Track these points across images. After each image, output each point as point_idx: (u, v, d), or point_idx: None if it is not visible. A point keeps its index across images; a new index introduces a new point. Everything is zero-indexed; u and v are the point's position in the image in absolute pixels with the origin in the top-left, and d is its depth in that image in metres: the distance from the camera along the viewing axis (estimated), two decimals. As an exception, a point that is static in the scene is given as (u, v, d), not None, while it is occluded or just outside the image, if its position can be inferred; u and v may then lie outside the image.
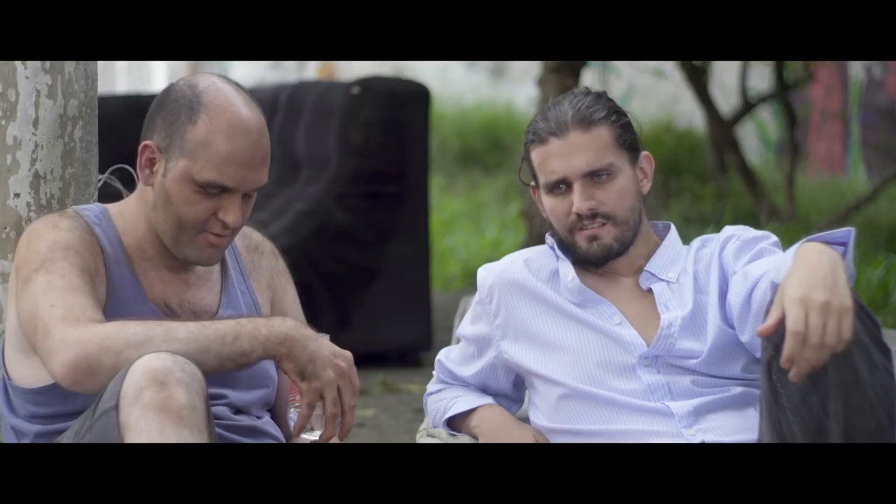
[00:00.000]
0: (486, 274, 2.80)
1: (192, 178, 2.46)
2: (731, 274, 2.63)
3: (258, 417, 2.60)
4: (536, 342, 2.71)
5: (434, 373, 2.89)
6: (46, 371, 2.42)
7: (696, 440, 2.57)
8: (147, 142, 2.49)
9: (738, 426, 2.58)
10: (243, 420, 2.55)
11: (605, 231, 2.67)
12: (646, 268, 2.71)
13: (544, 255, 2.78)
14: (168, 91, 2.52)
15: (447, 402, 2.80)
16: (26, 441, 2.51)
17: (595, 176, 2.66)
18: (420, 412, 5.01)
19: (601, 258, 2.69)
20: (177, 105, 2.48)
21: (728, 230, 2.73)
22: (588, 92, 2.72)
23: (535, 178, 2.73)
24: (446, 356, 2.87)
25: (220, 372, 2.36)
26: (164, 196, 2.49)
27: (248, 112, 2.49)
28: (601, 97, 2.71)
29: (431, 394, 2.86)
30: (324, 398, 2.37)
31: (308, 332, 2.38)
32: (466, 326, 2.83)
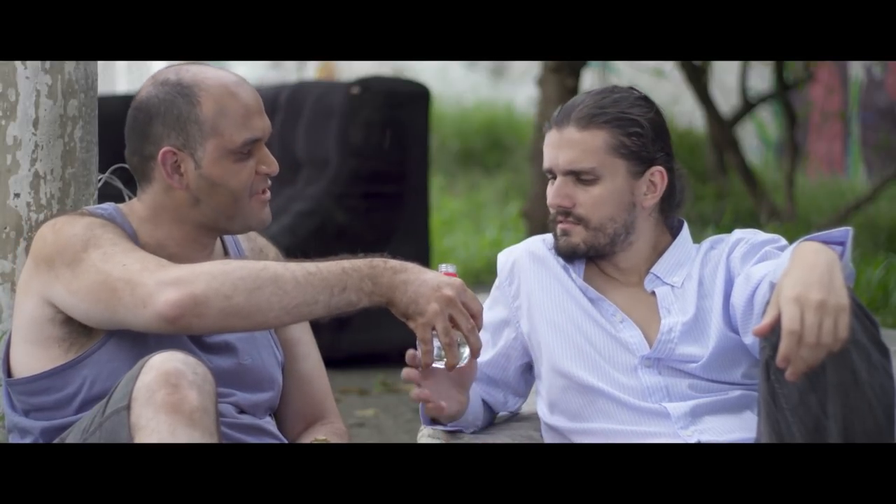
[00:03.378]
0: (507, 255, 2.80)
1: (227, 150, 2.49)
2: (736, 277, 2.63)
3: (259, 418, 2.60)
4: (550, 323, 2.71)
5: None
6: (69, 355, 2.45)
7: (693, 440, 2.57)
8: (165, 148, 2.48)
9: (735, 427, 2.58)
10: (246, 419, 2.55)
11: (575, 230, 2.66)
12: (651, 270, 2.71)
13: None
14: (143, 104, 2.51)
15: None
16: (31, 439, 2.51)
17: (577, 175, 2.65)
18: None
19: (565, 254, 2.69)
20: (167, 104, 2.49)
21: (737, 233, 2.71)
22: (617, 92, 2.68)
23: None
24: None
25: (324, 318, 2.41)
26: (206, 185, 2.50)
27: (225, 71, 2.56)
28: (624, 101, 2.66)
29: None
30: (437, 330, 2.39)
31: (410, 274, 2.43)
32: (486, 315, 2.79)
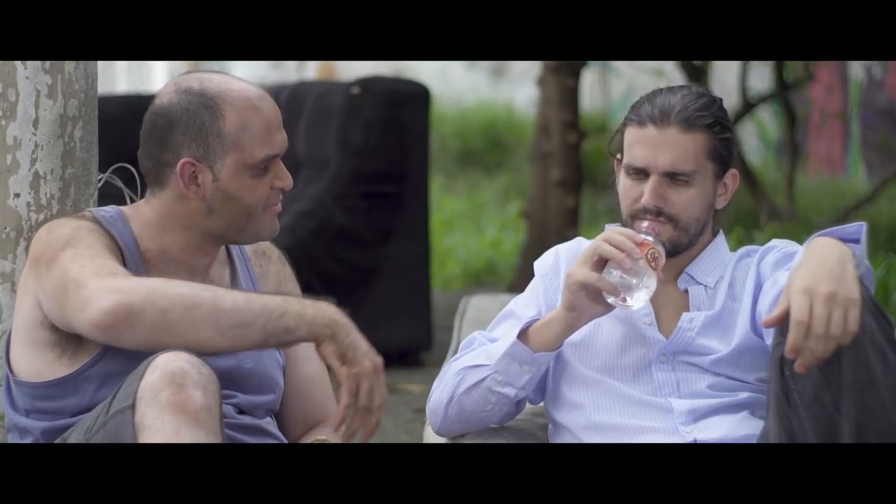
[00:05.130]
0: (549, 253, 2.80)
1: (246, 166, 2.50)
2: (765, 282, 2.64)
3: (259, 419, 2.60)
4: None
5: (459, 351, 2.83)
6: (61, 364, 2.45)
7: (690, 438, 2.57)
8: (184, 159, 2.48)
9: (732, 426, 2.58)
10: (246, 419, 2.55)
11: (664, 229, 2.64)
12: (686, 270, 2.71)
13: None
14: (165, 110, 2.50)
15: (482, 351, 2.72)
16: (31, 439, 2.51)
17: (673, 176, 2.64)
18: (420, 412, 5.00)
19: None
20: (189, 114, 2.48)
21: (773, 242, 2.72)
22: (703, 94, 2.68)
23: (621, 152, 2.71)
24: (483, 333, 2.79)
25: (262, 348, 2.38)
26: (222, 198, 2.50)
27: (247, 82, 2.55)
28: (714, 104, 2.67)
29: (457, 359, 2.76)
30: (359, 389, 2.37)
31: (351, 326, 2.41)
32: (520, 306, 2.78)
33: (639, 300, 2.56)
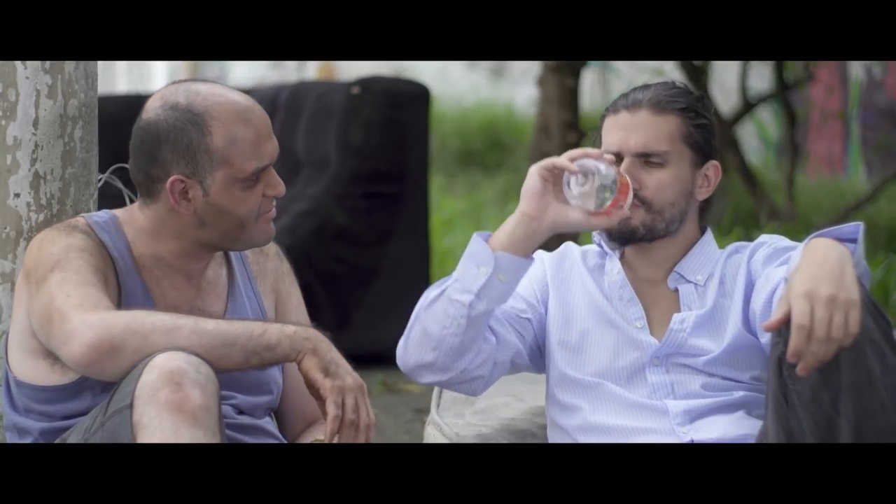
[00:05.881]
0: (541, 254, 2.80)
1: (236, 179, 2.49)
2: (757, 279, 2.63)
3: (258, 419, 2.60)
4: (566, 321, 2.72)
5: None
6: (54, 372, 2.46)
7: (687, 439, 2.57)
8: (173, 177, 2.47)
9: (729, 426, 2.59)
10: (245, 419, 2.56)
11: (637, 213, 2.65)
12: (675, 268, 2.72)
13: (594, 251, 2.79)
14: (152, 126, 2.49)
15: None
16: (30, 438, 2.52)
17: (646, 158, 2.65)
18: (420, 412, 5.01)
19: (624, 236, 2.68)
20: (176, 132, 2.47)
21: (762, 238, 2.73)
22: (676, 86, 2.71)
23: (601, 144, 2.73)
24: None
25: (244, 369, 2.38)
26: (214, 212, 2.50)
27: (235, 93, 2.54)
28: (689, 94, 2.70)
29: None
30: (344, 402, 2.37)
31: (330, 342, 2.41)
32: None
33: (596, 199, 2.54)
